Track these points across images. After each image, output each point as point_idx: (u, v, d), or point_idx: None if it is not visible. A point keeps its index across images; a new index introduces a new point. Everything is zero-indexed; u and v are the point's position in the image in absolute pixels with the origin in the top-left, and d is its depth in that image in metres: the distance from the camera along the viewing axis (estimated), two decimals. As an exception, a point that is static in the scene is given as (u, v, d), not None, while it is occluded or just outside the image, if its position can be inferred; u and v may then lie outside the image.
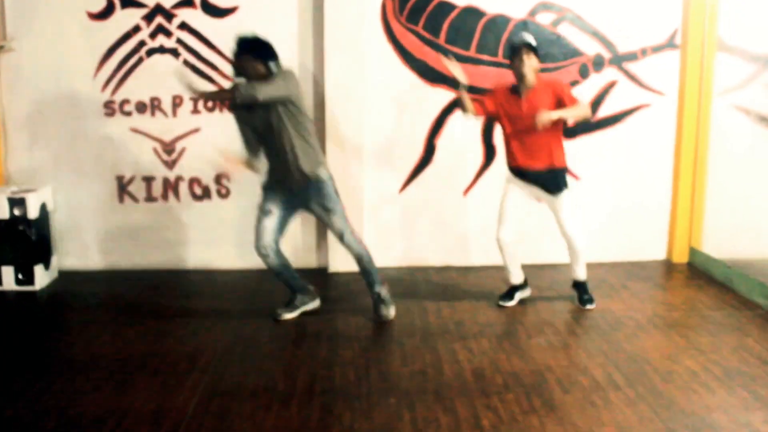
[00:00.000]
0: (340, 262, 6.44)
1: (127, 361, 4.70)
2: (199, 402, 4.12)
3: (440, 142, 6.53)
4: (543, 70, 6.34)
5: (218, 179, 6.54)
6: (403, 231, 6.60)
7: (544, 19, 6.44)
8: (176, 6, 6.33)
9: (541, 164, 5.30)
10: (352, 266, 6.07)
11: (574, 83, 6.52)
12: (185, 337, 5.12)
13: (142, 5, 6.32)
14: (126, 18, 6.33)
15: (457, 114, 6.46)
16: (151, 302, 5.75)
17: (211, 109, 6.43)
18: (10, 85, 6.40)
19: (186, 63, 6.36)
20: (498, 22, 6.41)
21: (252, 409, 4.02)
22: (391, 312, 5.42)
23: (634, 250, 6.80)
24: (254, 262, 6.47)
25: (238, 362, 4.69)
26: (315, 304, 5.58)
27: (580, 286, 5.70)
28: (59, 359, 4.76)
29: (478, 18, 6.40)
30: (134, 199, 6.52)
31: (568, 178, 5.49)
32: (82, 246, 6.62)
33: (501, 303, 5.66)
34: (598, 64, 6.52)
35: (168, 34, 6.34)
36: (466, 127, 6.50)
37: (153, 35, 6.36)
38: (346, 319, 5.42)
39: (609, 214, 6.74)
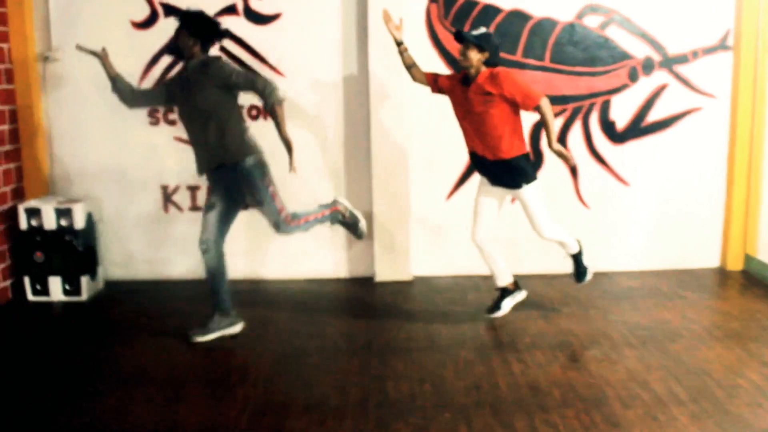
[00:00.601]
0: (387, 271, 6.37)
1: (176, 373, 4.67)
2: (251, 417, 4.05)
3: (487, 149, 6.42)
4: (592, 74, 6.29)
5: (263, 188, 6.48)
6: (450, 239, 6.50)
7: (591, 21, 6.31)
8: (219, 14, 6.29)
9: (491, 154, 5.08)
10: (399, 275, 6.03)
11: (623, 87, 6.39)
12: (234, 348, 5.06)
13: (185, 14, 6.29)
14: (169, 26, 6.25)
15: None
16: (198, 313, 5.68)
17: (255, 117, 6.38)
18: (56, 95, 6.41)
19: (230, 71, 6.31)
20: (544, 26, 6.30)
21: (305, 425, 3.95)
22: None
23: (686, 258, 6.64)
24: (300, 271, 6.52)
25: (288, 375, 4.62)
26: (235, 328, 5.26)
27: (575, 257, 5.55)
28: (109, 371, 4.73)
29: (524, 22, 6.29)
30: (179, 208, 6.50)
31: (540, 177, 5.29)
32: (127, 256, 6.61)
33: (490, 315, 5.43)
34: (648, 67, 6.38)
35: (211, 33, 6.28)
36: (513, 133, 6.39)
37: (197, 44, 6.33)
38: (394, 330, 5.33)
39: (660, 221, 6.59)
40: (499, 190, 5.26)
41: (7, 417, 4.11)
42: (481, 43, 4.94)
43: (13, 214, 6.15)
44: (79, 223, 6.06)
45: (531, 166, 5.21)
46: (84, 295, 6.14)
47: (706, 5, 6.33)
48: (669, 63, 6.38)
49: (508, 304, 5.47)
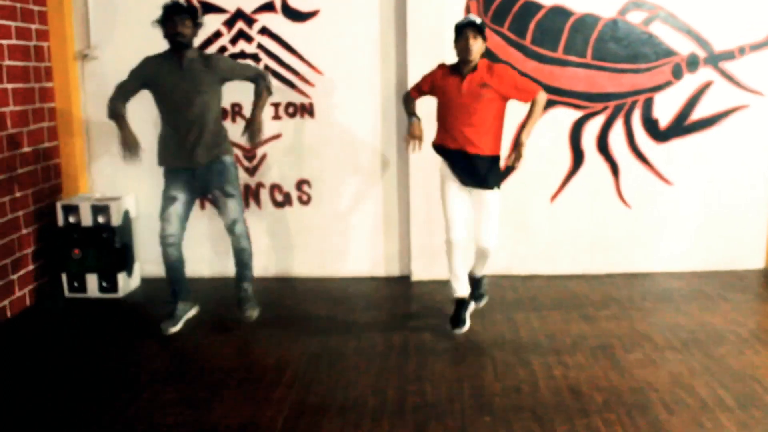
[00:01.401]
0: (424, 270, 6.30)
1: (211, 372, 4.63)
2: (288, 418, 4.00)
3: (526, 147, 6.29)
4: (635, 71, 6.16)
5: (299, 186, 6.44)
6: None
7: (635, 17, 6.17)
8: (257, 11, 6.26)
9: (477, 149, 4.90)
10: (436, 274, 5.96)
11: (666, 84, 6.24)
12: (270, 347, 5.02)
13: (222, 10, 6.28)
14: (207, 24, 6.25)
15: (544, 118, 6.23)
16: (233, 311, 5.66)
17: (292, 115, 6.34)
18: (94, 93, 6.42)
19: (267, 68, 6.28)
20: (587, 22, 6.17)
21: (341, 427, 3.89)
22: (255, 313, 5.31)
23: (730, 259, 6.48)
24: (336, 269, 6.48)
25: (324, 376, 4.56)
26: (195, 310, 5.52)
27: (477, 281, 5.42)
28: (145, 370, 4.70)
29: (566, 18, 6.17)
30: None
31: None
32: (163, 253, 6.61)
33: (455, 330, 5.12)
34: (693, 63, 6.22)
35: (249, 39, 6.28)
36: (553, 132, 6.28)
37: (234, 41, 6.31)
38: (432, 331, 5.25)
39: (704, 221, 6.44)
40: (465, 189, 5.03)
41: (41, 413, 4.11)
42: (484, 32, 4.85)
43: (51, 211, 6.18)
44: (116, 220, 6.07)
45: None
46: (120, 292, 6.15)
47: (753, 0, 6.16)
48: (714, 60, 6.22)
49: (469, 315, 5.25)
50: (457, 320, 5.17)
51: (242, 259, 5.36)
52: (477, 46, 4.81)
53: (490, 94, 4.84)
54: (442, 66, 5.10)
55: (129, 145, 5.04)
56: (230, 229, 5.25)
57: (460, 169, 4.98)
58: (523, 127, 4.96)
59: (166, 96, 5.08)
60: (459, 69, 4.93)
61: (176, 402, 4.22)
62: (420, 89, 5.18)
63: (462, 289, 5.24)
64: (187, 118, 5.04)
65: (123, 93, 5.14)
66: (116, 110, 5.08)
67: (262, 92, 5.20)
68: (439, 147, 5.08)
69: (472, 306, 5.36)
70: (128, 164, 5.17)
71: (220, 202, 5.21)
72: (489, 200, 4.98)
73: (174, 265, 5.30)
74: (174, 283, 5.36)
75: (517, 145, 4.88)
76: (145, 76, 5.12)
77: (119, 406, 4.17)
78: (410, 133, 5.10)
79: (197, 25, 5.12)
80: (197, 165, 5.11)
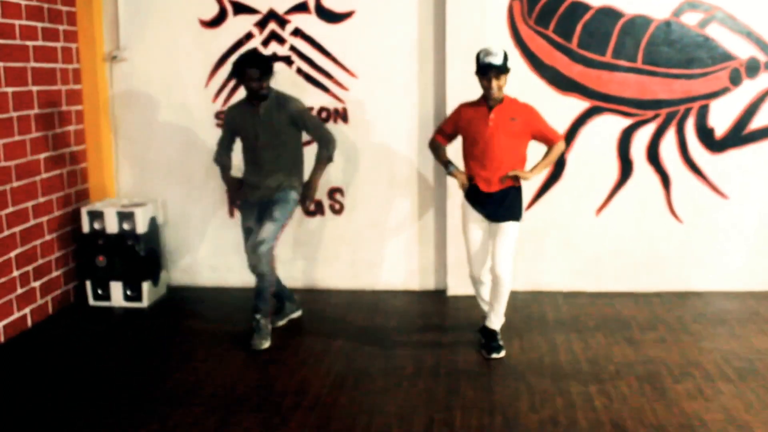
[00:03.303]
0: (460, 285, 5.98)
1: (230, 393, 4.38)
2: (305, 447, 3.74)
3: (571, 156, 5.98)
4: (689, 77, 5.81)
5: (332, 194, 6.18)
6: (528, 252, 6.02)
7: (689, 19, 5.79)
8: (290, 11, 6.02)
9: (498, 183, 4.81)
10: (472, 290, 5.63)
11: (723, 91, 5.85)
12: (294, 366, 4.76)
13: (255, 11, 6.05)
14: (238, 25, 6.08)
15: (590, 125, 5.91)
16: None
17: (325, 120, 6.08)
18: (122, 95, 6.25)
19: (299, 71, 6.04)
20: (637, 24, 5.81)
21: (362, 459, 3.62)
22: (263, 344, 5.09)
23: (790, 279, 6.05)
24: (368, 282, 6.22)
25: (348, 399, 4.29)
26: (299, 312, 5.66)
27: (491, 334, 4.99)
28: (160, 387, 4.48)
29: (615, 19, 5.82)
30: (245, 213, 6.25)
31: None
32: (191, 261, 6.42)
33: (493, 356, 4.85)
34: (753, 68, 5.82)
35: (281, 41, 6.05)
36: (600, 140, 5.94)
37: (266, 42, 6.08)
38: (467, 352, 4.94)
39: (761, 238, 6.03)
40: (486, 223, 4.92)
41: (50, 428, 3.91)
42: (508, 68, 4.71)
43: (76, 216, 6.01)
44: (142, 227, 5.87)
45: None
46: (145, 302, 5.96)
47: (819, 1, 5.74)
48: (776, 65, 5.82)
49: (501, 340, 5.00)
50: (492, 347, 4.91)
51: (259, 286, 5.19)
52: (501, 84, 4.70)
53: (518, 128, 4.77)
54: (463, 105, 4.96)
55: (230, 188, 5.50)
56: (254, 247, 5.06)
57: (488, 205, 4.85)
58: (538, 165, 4.92)
59: (248, 142, 5.22)
60: (486, 101, 4.79)
61: (189, 424, 3.99)
62: (444, 133, 5.06)
63: (499, 321, 5.05)
64: (264, 163, 5.16)
65: (223, 146, 5.39)
66: (219, 164, 5.41)
67: (323, 160, 5.22)
68: (470, 178, 4.92)
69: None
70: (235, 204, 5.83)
71: (263, 222, 5.15)
72: (506, 230, 4.83)
73: (267, 283, 5.24)
74: (276, 296, 5.43)
75: (519, 174, 4.81)
76: (230, 126, 5.30)
77: (128, 425, 3.95)
78: (461, 185, 4.95)
79: (272, 74, 5.14)
80: (260, 198, 5.21)
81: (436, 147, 5.11)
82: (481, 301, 5.20)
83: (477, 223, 4.92)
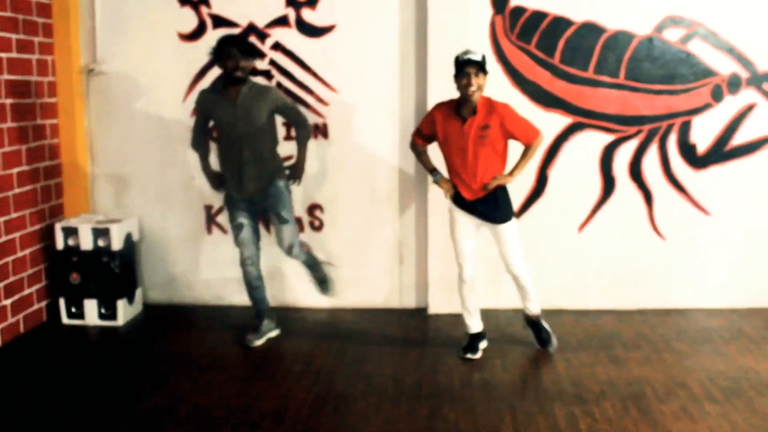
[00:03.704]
0: (442, 302, 5.91)
1: (206, 415, 4.26)
2: (283, 472, 3.64)
3: (553, 173, 5.93)
4: (671, 93, 5.79)
5: (311, 211, 6.09)
6: (510, 269, 5.98)
7: (672, 35, 5.77)
8: (270, 25, 5.95)
9: (480, 190, 4.86)
10: (454, 307, 5.56)
11: (705, 107, 5.82)
12: (270, 387, 4.65)
13: (234, 25, 5.96)
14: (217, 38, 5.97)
15: (572, 141, 5.87)
16: (237, 344, 5.33)
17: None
18: (99, 109, 6.14)
19: (279, 86, 5.96)
20: (620, 40, 5.78)
21: (342, 485, 3.52)
22: (255, 342, 5.35)
23: (772, 296, 6.02)
24: (348, 300, 6.13)
25: (328, 422, 4.18)
26: (277, 332, 5.54)
27: (535, 324, 5.19)
28: (137, 409, 4.35)
29: (597, 35, 5.78)
30: (223, 230, 6.12)
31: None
32: (168, 279, 6.29)
33: (466, 355, 5.04)
34: (734, 85, 5.80)
35: (261, 55, 5.96)
36: (582, 157, 5.90)
37: (245, 56, 5.99)
38: (448, 372, 4.86)
39: (744, 254, 6.00)
40: (476, 227, 4.99)
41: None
42: (486, 68, 4.74)
43: (50, 232, 5.88)
44: (117, 243, 5.75)
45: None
46: (120, 320, 5.82)
47: (800, 18, 5.74)
48: (758, 80, 5.79)
49: (482, 346, 5.16)
50: (469, 347, 5.09)
51: (309, 265, 5.51)
52: (479, 83, 4.69)
53: (492, 135, 4.76)
54: (439, 106, 4.97)
55: (210, 180, 5.43)
56: (288, 253, 5.35)
57: (474, 210, 4.92)
58: (516, 167, 4.94)
59: (222, 131, 5.18)
60: (459, 110, 4.81)
61: (163, 450, 3.87)
62: (422, 134, 5.09)
63: (475, 325, 5.16)
64: (241, 153, 5.10)
65: (198, 131, 5.36)
66: (197, 150, 5.41)
67: (305, 139, 5.31)
68: (454, 186, 4.97)
69: (485, 343, 5.21)
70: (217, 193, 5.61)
71: (276, 228, 5.31)
72: (504, 231, 4.92)
73: (255, 283, 5.42)
74: (257, 302, 5.47)
75: (500, 177, 4.86)
76: (204, 110, 5.25)
77: (101, 453, 3.84)
78: (447, 194, 5.01)
79: (255, 58, 5.28)
80: (250, 197, 5.21)
81: (418, 151, 5.14)
82: (465, 312, 5.15)
83: (465, 224, 4.96)
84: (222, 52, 5.00)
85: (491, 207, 4.87)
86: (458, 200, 4.94)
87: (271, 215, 5.28)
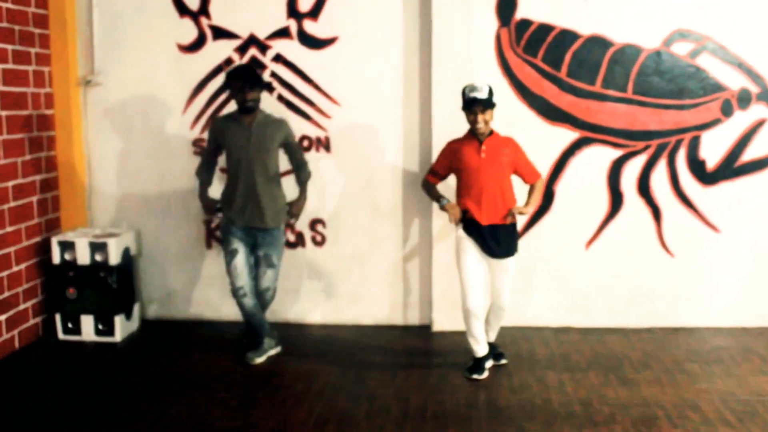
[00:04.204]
0: (446, 319, 5.80)
1: (205, 437, 4.14)
2: (285, 498, 3.50)
3: (560, 188, 5.82)
4: (679, 108, 5.71)
5: (313, 226, 5.97)
6: (516, 286, 5.77)
7: (680, 49, 5.68)
8: (271, 37, 5.85)
9: (497, 218, 4.85)
10: (458, 325, 5.44)
11: (715, 122, 5.73)
12: (273, 407, 4.52)
13: (235, 36, 5.87)
14: (218, 50, 5.89)
15: (579, 156, 5.77)
16: (236, 362, 5.21)
17: (306, 149, 5.89)
18: (97, 121, 6.04)
19: (280, 98, 5.86)
20: (627, 53, 5.69)
21: None
22: (256, 359, 5.24)
23: (784, 314, 5.91)
24: (351, 316, 6.01)
25: (330, 445, 4.06)
26: (278, 349, 5.44)
27: (493, 347, 5.21)
28: (134, 428, 4.22)
29: (604, 49, 5.70)
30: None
31: None
32: (166, 293, 6.17)
33: (473, 376, 4.94)
34: (744, 100, 5.71)
35: (262, 67, 5.86)
36: (590, 172, 5.79)
37: (246, 68, 5.89)
38: (453, 392, 4.73)
39: (754, 272, 5.89)
40: (485, 258, 4.92)
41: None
42: (493, 103, 4.79)
43: (47, 246, 5.76)
44: (115, 258, 5.63)
45: None
46: (117, 336, 5.70)
47: (812, 31, 5.65)
48: (768, 96, 5.71)
49: (488, 365, 5.07)
50: (475, 368, 4.99)
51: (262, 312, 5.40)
52: (487, 119, 4.79)
53: (507, 159, 4.86)
54: (451, 142, 5.02)
55: (205, 207, 5.47)
56: (260, 293, 5.31)
57: (482, 239, 4.87)
58: (528, 203, 5.00)
59: (232, 157, 5.17)
60: (474, 135, 4.86)
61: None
62: (436, 173, 5.12)
63: (482, 350, 5.06)
64: (249, 181, 5.11)
65: (206, 160, 5.40)
66: (200, 178, 5.43)
67: (306, 181, 5.40)
68: (464, 212, 4.92)
69: (490, 362, 5.12)
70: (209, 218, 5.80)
71: (261, 268, 5.28)
72: (508, 265, 4.95)
73: (252, 314, 5.30)
74: (257, 329, 5.35)
75: (519, 208, 4.91)
76: (216, 137, 5.24)
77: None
78: (453, 219, 4.94)
79: (264, 88, 5.29)
80: (255, 225, 5.19)
81: (429, 187, 5.13)
82: (471, 338, 5.01)
83: (474, 255, 4.89)
84: (229, 85, 5.12)
85: (501, 240, 4.85)
86: (469, 229, 4.86)
87: (261, 255, 5.24)
